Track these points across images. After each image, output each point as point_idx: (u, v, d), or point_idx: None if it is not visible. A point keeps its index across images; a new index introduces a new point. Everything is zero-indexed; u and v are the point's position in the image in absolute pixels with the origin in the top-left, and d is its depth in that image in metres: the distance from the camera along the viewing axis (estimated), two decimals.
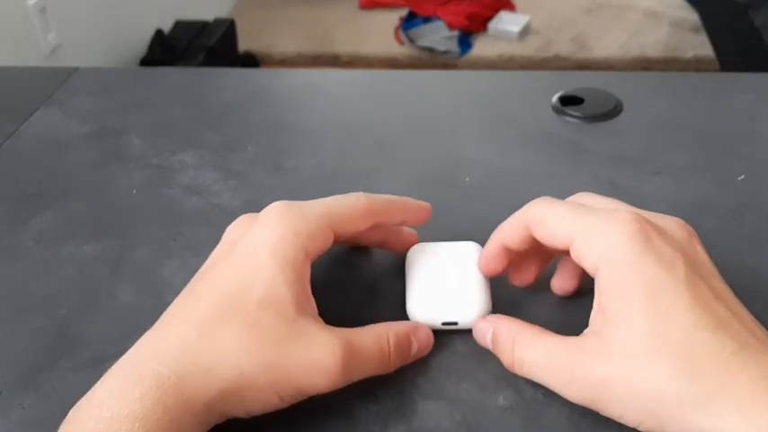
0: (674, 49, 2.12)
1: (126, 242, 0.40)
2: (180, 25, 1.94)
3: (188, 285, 0.31)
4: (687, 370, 0.25)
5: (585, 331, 0.28)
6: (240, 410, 0.27)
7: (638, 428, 0.26)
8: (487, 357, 0.32)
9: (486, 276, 0.34)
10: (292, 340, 0.27)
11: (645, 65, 2.10)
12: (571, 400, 0.28)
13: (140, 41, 1.83)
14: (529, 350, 0.29)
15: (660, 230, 0.28)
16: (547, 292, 0.35)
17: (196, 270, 0.37)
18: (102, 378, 0.27)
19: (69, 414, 0.26)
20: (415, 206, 0.35)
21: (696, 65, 2.07)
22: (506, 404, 0.30)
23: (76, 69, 0.59)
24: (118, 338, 0.34)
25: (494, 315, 0.32)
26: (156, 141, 0.49)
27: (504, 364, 0.30)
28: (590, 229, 0.28)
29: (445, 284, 0.33)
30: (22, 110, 0.54)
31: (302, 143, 0.49)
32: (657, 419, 0.25)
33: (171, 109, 0.53)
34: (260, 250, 0.29)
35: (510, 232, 0.32)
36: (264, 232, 0.30)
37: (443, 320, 0.32)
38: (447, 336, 0.33)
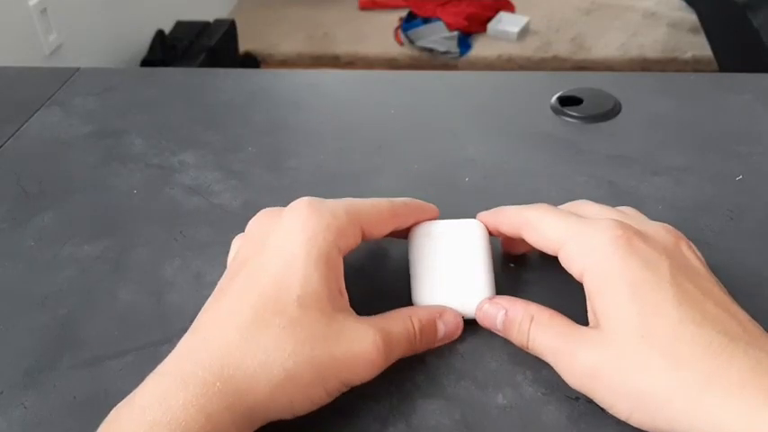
0: (673, 50, 2.12)
1: (127, 242, 0.40)
2: (181, 26, 1.94)
3: (220, 285, 0.30)
4: (675, 363, 0.25)
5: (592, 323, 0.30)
6: (286, 411, 0.27)
7: (629, 421, 0.27)
8: (487, 356, 0.32)
9: (489, 260, 0.33)
10: (334, 336, 0.28)
11: (643, 65, 2.10)
12: (571, 386, 0.29)
13: (141, 42, 1.83)
14: (542, 331, 0.30)
15: (643, 235, 0.29)
16: (543, 283, 0.35)
17: (197, 270, 0.38)
18: (144, 381, 0.26)
19: (110, 415, 0.26)
20: (428, 208, 0.35)
21: (695, 65, 2.07)
22: (505, 403, 0.30)
23: (78, 70, 0.59)
24: (118, 338, 0.34)
25: (502, 297, 0.32)
26: (157, 141, 0.49)
27: (517, 343, 0.31)
28: (576, 236, 0.30)
29: (450, 274, 0.33)
30: (23, 110, 0.54)
31: (302, 143, 0.49)
32: (646, 413, 0.26)
33: (172, 109, 0.53)
34: (294, 247, 0.29)
35: (504, 227, 0.34)
36: (296, 228, 0.29)
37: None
38: None
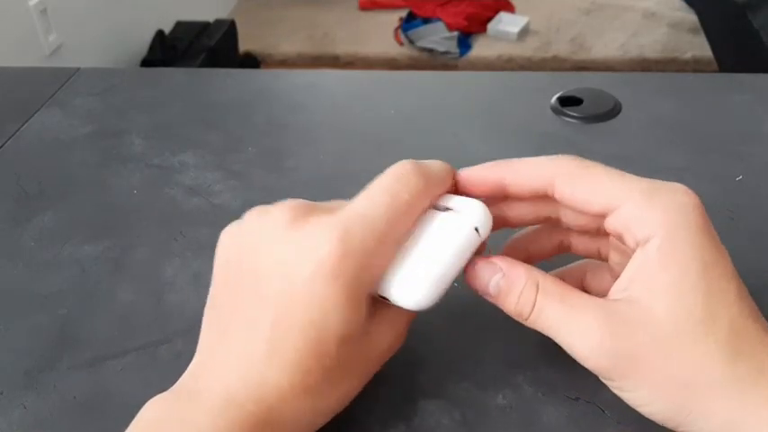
0: (673, 50, 2.12)
1: (127, 242, 0.40)
2: (181, 26, 1.94)
3: (253, 312, 0.26)
4: (733, 352, 0.24)
5: (615, 295, 0.26)
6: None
7: (646, 410, 0.25)
8: (487, 357, 0.32)
9: (463, 251, 0.27)
10: (366, 356, 0.28)
11: (643, 65, 2.10)
12: (588, 366, 0.25)
13: (141, 42, 1.83)
14: (554, 304, 0.26)
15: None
16: None
17: (197, 270, 0.38)
18: (197, 413, 0.25)
19: None
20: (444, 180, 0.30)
21: (695, 65, 2.07)
22: (505, 403, 0.30)
23: (78, 70, 0.59)
24: (118, 338, 0.34)
25: (501, 258, 0.27)
26: (157, 141, 0.49)
27: (513, 311, 0.27)
28: (646, 194, 0.25)
29: (412, 255, 0.27)
30: (23, 110, 0.54)
31: (302, 143, 0.49)
32: (677, 403, 0.24)
33: (172, 109, 0.53)
34: (328, 291, 0.25)
35: (520, 180, 0.28)
36: (327, 273, 0.25)
37: (380, 293, 0.27)
38: (447, 335, 0.33)
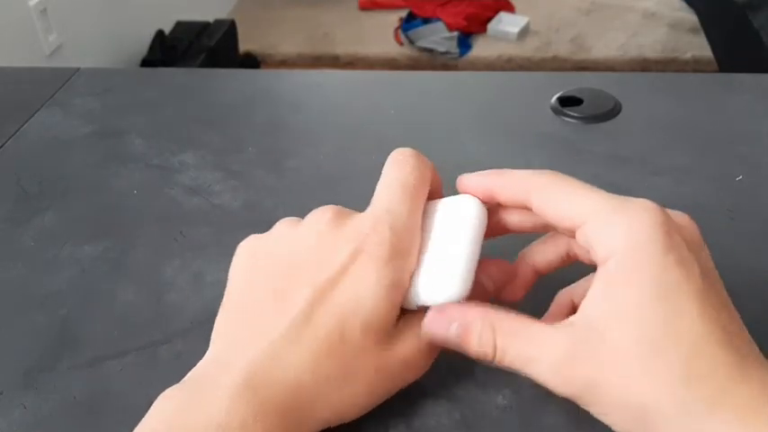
0: (673, 50, 2.12)
1: (127, 242, 0.40)
2: (181, 26, 1.94)
3: (299, 307, 0.27)
4: (688, 376, 0.23)
5: (574, 318, 0.25)
6: (338, 422, 0.28)
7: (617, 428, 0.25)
8: None
9: (473, 242, 0.28)
10: (387, 357, 0.27)
11: (643, 65, 2.10)
12: (557, 393, 0.25)
13: (141, 42, 1.83)
14: (513, 342, 0.26)
15: (679, 228, 0.25)
16: (542, 283, 0.35)
17: (197, 270, 0.38)
18: (214, 396, 0.25)
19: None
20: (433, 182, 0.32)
21: (695, 65, 2.07)
22: (505, 403, 0.30)
23: (78, 70, 0.59)
24: (118, 338, 0.34)
25: (454, 305, 0.27)
26: (157, 142, 0.49)
27: (478, 355, 0.27)
28: (610, 211, 0.25)
29: (426, 256, 0.28)
30: (23, 110, 0.54)
31: (303, 144, 0.49)
32: (646, 429, 0.24)
33: (172, 109, 0.53)
34: (367, 274, 0.27)
35: (506, 191, 0.28)
36: (367, 260, 0.27)
37: (418, 304, 0.28)
38: None
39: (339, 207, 0.30)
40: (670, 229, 0.25)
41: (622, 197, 0.26)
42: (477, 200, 0.29)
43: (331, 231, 0.28)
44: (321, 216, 0.29)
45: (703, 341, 0.23)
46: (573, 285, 0.31)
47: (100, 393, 0.31)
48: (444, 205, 0.30)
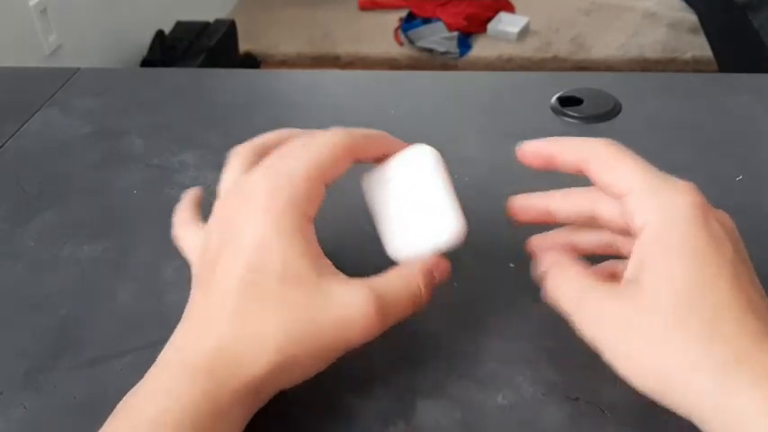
0: (673, 50, 2.12)
1: (127, 242, 0.40)
2: (181, 26, 1.94)
3: (201, 277, 0.30)
4: (711, 338, 0.24)
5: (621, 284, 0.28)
6: (285, 383, 0.28)
7: (640, 386, 0.26)
8: (486, 356, 0.32)
9: (447, 185, 0.31)
10: (322, 306, 0.28)
11: (643, 65, 2.10)
12: (587, 338, 0.27)
13: (141, 42, 1.83)
14: (562, 284, 0.29)
15: (716, 214, 0.28)
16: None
17: None
18: (147, 373, 0.27)
19: (118, 406, 0.26)
20: (394, 142, 0.34)
21: (694, 65, 2.07)
22: (505, 403, 0.30)
23: (77, 70, 0.59)
24: (118, 338, 0.34)
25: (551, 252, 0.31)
26: (157, 142, 0.49)
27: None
28: (653, 186, 0.28)
29: (413, 212, 0.31)
30: (23, 110, 0.54)
31: None
32: (662, 383, 0.25)
33: (172, 109, 0.53)
34: (263, 229, 0.28)
35: (565, 155, 0.31)
36: (259, 210, 0.29)
37: (430, 250, 0.30)
38: (447, 335, 0.33)
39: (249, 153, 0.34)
40: (708, 211, 0.27)
41: (668, 177, 0.28)
42: (427, 146, 0.32)
43: (239, 191, 0.31)
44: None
45: (729, 308, 0.25)
46: (615, 261, 0.32)
47: (100, 393, 0.31)
48: (399, 161, 0.32)
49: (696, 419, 0.24)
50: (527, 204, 0.33)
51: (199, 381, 0.26)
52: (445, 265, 0.31)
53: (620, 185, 0.28)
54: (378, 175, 0.33)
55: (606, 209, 0.30)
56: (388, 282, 0.29)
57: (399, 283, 0.29)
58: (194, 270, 0.31)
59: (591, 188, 0.30)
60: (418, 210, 0.31)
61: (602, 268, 0.32)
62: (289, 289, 0.28)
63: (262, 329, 0.27)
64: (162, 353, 0.28)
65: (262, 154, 0.35)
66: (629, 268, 0.27)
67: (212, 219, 0.32)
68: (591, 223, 0.31)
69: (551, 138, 0.31)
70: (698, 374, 0.24)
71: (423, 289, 0.29)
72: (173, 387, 0.26)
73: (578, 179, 0.41)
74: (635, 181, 0.28)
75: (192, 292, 0.30)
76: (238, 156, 0.35)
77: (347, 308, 0.28)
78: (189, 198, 0.37)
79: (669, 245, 0.26)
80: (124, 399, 0.27)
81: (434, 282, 0.30)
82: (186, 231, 0.34)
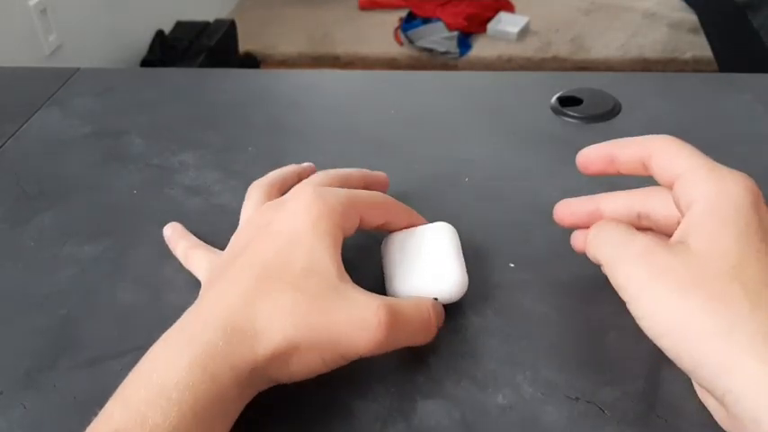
0: (673, 50, 2.13)
1: (127, 242, 0.40)
2: (181, 26, 1.94)
3: (216, 272, 0.31)
4: (757, 300, 0.24)
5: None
6: (284, 375, 0.28)
7: (655, 336, 0.26)
8: (486, 356, 0.32)
9: (459, 252, 0.34)
10: (336, 303, 0.28)
11: (643, 65, 2.10)
12: (617, 277, 0.27)
13: (141, 42, 1.83)
14: (610, 229, 0.30)
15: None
16: (543, 282, 0.35)
17: None
18: (151, 348, 0.27)
19: (124, 381, 0.27)
20: (417, 219, 0.36)
21: (694, 65, 2.07)
22: (505, 403, 0.30)
23: (77, 70, 0.59)
24: (118, 338, 0.34)
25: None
26: (157, 142, 0.49)
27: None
28: (711, 168, 0.28)
29: (422, 266, 0.34)
30: (23, 110, 0.54)
31: (302, 144, 0.49)
32: (688, 338, 0.25)
33: (172, 109, 0.53)
34: (299, 225, 0.30)
35: (628, 150, 0.32)
36: (301, 210, 0.31)
37: (433, 295, 0.33)
38: (446, 335, 0.33)
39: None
40: (759, 199, 0.27)
41: (723, 167, 0.29)
42: (449, 225, 0.35)
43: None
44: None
45: (764, 283, 0.25)
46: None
47: (100, 393, 0.31)
48: (420, 229, 0.36)
49: (719, 381, 0.24)
50: (573, 210, 0.34)
51: (199, 352, 0.26)
52: (441, 309, 0.32)
53: (674, 169, 0.29)
54: (398, 236, 0.36)
55: (658, 204, 0.31)
56: (401, 303, 0.30)
57: (412, 307, 0.30)
58: (207, 276, 0.33)
59: (637, 189, 0.32)
60: (428, 263, 0.33)
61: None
62: (309, 279, 0.28)
63: (272, 310, 0.27)
64: (169, 330, 0.28)
65: (280, 187, 0.37)
66: (677, 233, 0.28)
67: (250, 218, 0.34)
68: (637, 223, 0.32)
69: (607, 142, 0.33)
70: (736, 336, 0.24)
71: (433, 319, 0.31)
72: (172, 359, 0.26)
73: (580, 183, 0.41)
74: (692, 164, 0.29)
75: (203, 287, 0.31)
76: (258, 188, 0.37)
77: (360, 310, 0.28)
78: (179, 228, 0.39)
79: (721, 216, 0.27)
80: (128, 375, 0.27)
81: (441, 318, 0.32)
82: (195, 252, 0.37)
